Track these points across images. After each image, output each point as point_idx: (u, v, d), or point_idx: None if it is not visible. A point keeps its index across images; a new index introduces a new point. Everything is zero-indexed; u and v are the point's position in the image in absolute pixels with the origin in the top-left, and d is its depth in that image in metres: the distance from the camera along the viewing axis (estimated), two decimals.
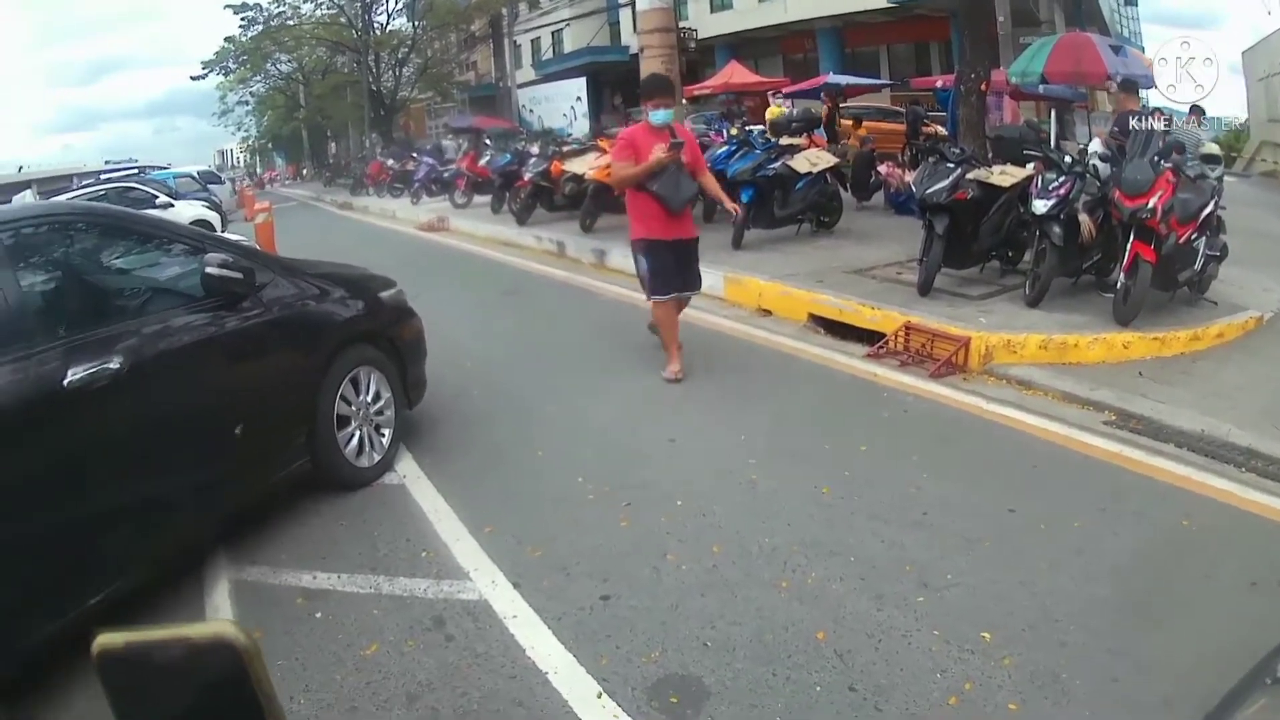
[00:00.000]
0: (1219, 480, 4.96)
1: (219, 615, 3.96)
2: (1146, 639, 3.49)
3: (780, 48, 36.65)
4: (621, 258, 12.01)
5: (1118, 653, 3.40)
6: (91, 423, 3.66)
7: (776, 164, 11.69)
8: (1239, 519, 4.54)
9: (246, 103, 53.12)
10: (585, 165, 14.42)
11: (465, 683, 3.44)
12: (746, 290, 9.57)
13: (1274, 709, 0.95)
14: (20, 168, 48.46)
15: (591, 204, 13.84)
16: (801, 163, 11.76)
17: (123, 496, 3.76)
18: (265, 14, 41.71)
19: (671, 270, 6.78)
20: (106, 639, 0.76)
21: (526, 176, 15.47)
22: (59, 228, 4.13)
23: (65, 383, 3.49)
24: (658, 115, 6.70)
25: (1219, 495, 4.78)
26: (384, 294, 5.77)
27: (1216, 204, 7.99)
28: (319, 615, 3.95)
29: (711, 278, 10.06)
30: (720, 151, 13.00)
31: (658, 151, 6.43)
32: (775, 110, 18.68)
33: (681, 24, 18.31)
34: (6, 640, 3.25)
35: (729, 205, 7.64)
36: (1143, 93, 11.55)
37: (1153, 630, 3.56)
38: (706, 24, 34.48)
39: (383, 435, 5.46)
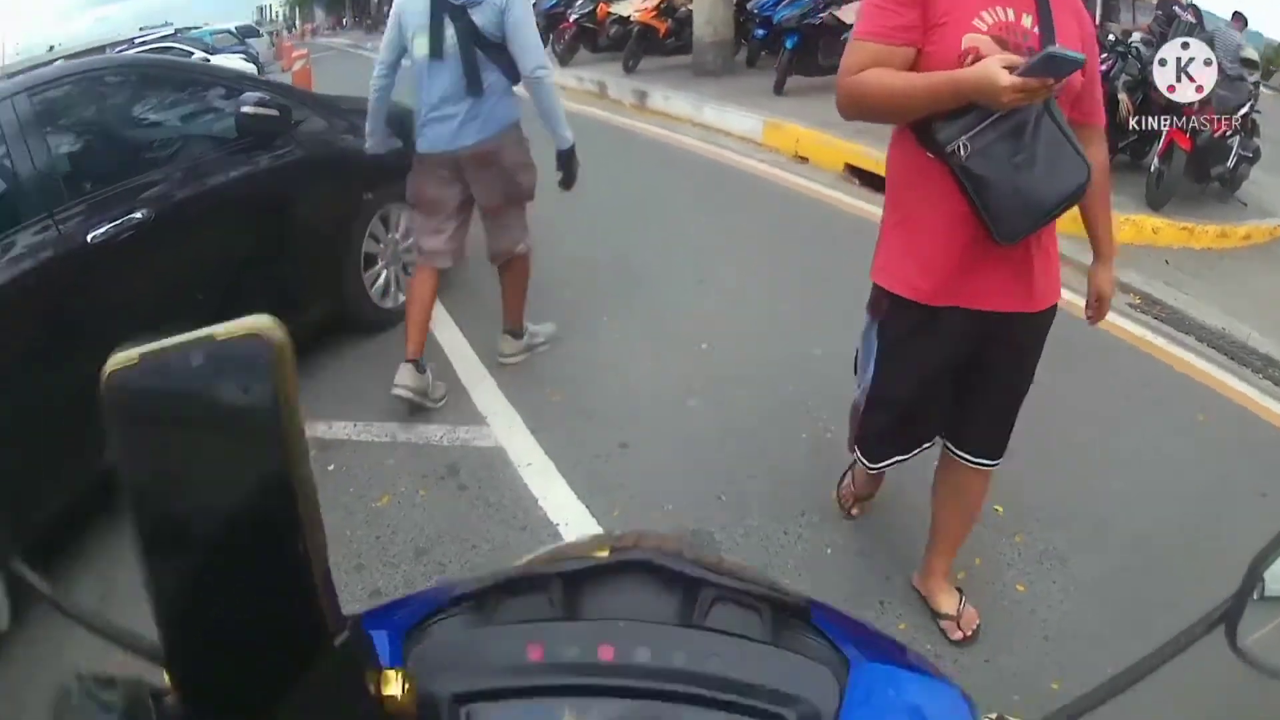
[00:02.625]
0: (1236, 381, 4.95)
1: None
2: (1159, 534, 3.46)
3: None
4: (662, 99, 11.77)
5: (1128, 546, 3.39)
6: (118, 276, 3.60)
7: (824, 12, 11.29)
8: (1252, 424, 4.51)
9: None
10: (631, 8, 14.28)
11: (475, 535, 3.43)
12: (785, 135, 9.36)
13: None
14: (51, 47, 46.28)
15: (635, 45, 13.76)
16: (848, 13, 11.39)
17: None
18: None
19: (932, 395, 2.71)
20: (119, 358, 0.57)
21: (571, 19, 15.19)
22: (90, 83, 4.03)
23: (90, 238, 3.46)
24: None
25: (1235, 397, 4.76)
26: None
27: (1252, 107, 7.88)
28: (331, 467, 3.88)
29: (751, 121, 9.91)
30: None
31: (991, 53, 2.12)
32: None
33: None
34: (37, 499, 3.20)
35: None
36: None
37: (1166, 527, 3.51)
38: None
39: (409, 275, 5.10)
